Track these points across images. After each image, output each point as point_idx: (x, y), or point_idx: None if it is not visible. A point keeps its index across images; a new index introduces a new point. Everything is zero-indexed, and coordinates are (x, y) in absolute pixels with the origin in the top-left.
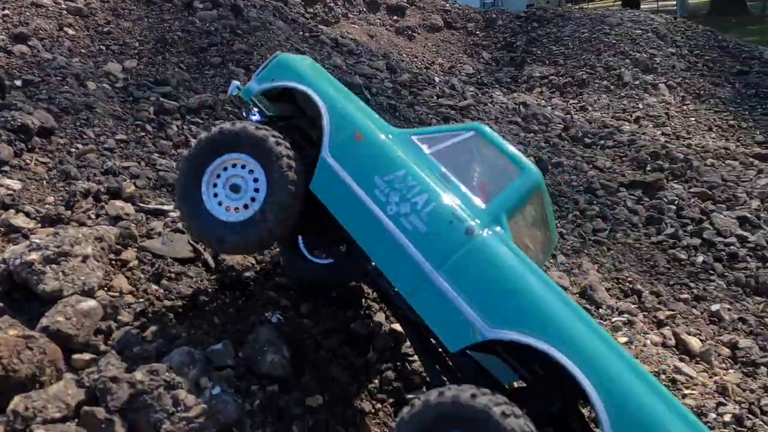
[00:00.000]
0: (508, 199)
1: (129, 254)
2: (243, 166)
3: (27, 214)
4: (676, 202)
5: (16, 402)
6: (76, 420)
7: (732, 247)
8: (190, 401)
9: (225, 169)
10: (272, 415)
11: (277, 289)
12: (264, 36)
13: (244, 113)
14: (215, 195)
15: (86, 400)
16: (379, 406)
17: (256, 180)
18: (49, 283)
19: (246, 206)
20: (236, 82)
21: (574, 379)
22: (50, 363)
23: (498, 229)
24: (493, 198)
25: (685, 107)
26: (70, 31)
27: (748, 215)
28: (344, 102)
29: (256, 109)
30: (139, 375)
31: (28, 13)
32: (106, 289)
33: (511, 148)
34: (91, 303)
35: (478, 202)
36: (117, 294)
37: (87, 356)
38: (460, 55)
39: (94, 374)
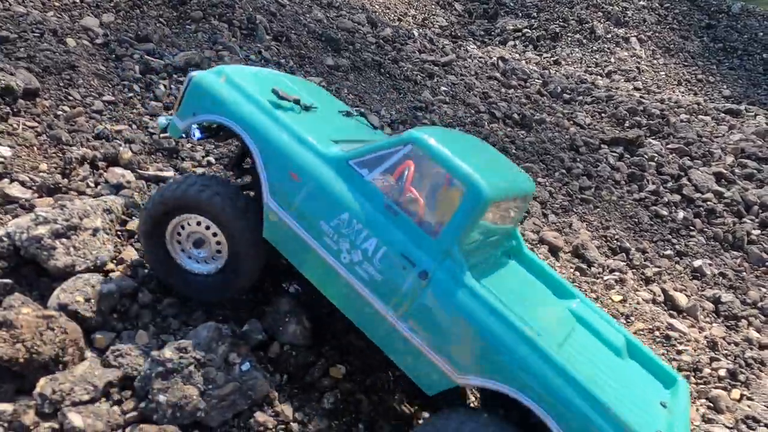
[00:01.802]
0: (458, 225)
1: (135, 225)
2: (198, 223)
3: (22, 183)
4: (656, 158)
5: (43, 385)
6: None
7: (709, 203)
8: (221, 379)
9: (183, 227)
10: (300, 388)
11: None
12: None
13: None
14: (182, 250)
15: (116, 382)
16: (398, 373)
17: (215, 234)
18: (60, 259)
19: (214, 257)
20: (162, 119)
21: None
22: (72, 342)
23: (451, 263)
24: (442, 228)
25: (655, 61)
26: None
27: (723, 171)
28: (276, 132)
29: (195, 127)
30: (168, 353)
31: None
32: (116, 262)
33: (453, 158)
34: (110, 286)
35: (428, 232)
36: (128, 266)
37: (109, 335)
38: (433, 6)
39: (121, 355)
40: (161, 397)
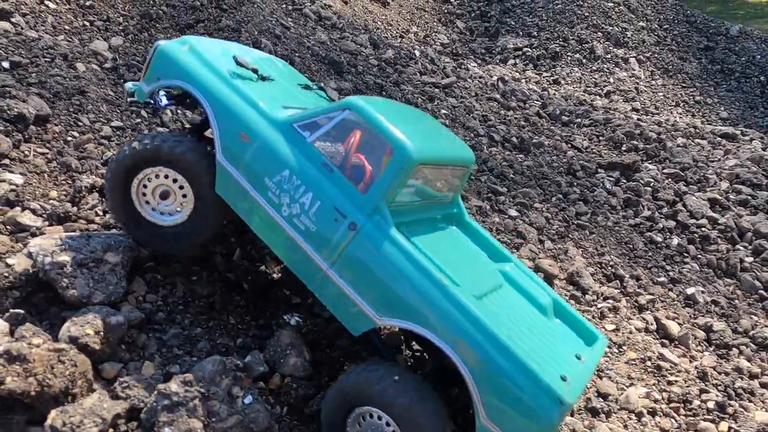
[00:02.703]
0: (386, 183)
1: (145, 254)
2: (166, 176)
3: (33, 212)
4: (652, 183)
5: (53, 417)
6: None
7: (704, 229)
8: (224, 412)
9: (149, 180)
10: (299, 419)
11: (286, 287)
12: (249, 11)
13: (153, 100)
14: (147, 202)
15: (124, 413)
16: None
17: (182, 187)
18: (79, 290)
19: (178, 209)
20: (129, 84)
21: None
22: (81, 375)
23: (379, 218)
24: (372, 185)
25: (654, 82)
26: (52, 5)
27: (718, 197)
28: (229, 96)
29: (162, 93)
30: (174, 386)
31: None
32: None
33: (386, 123)
34: (118, 318)
35: (359, 189)
36: (140, 298)
37: (116, 366)
38: (435, 23)
39: (128, 387)
40: (167, 430)
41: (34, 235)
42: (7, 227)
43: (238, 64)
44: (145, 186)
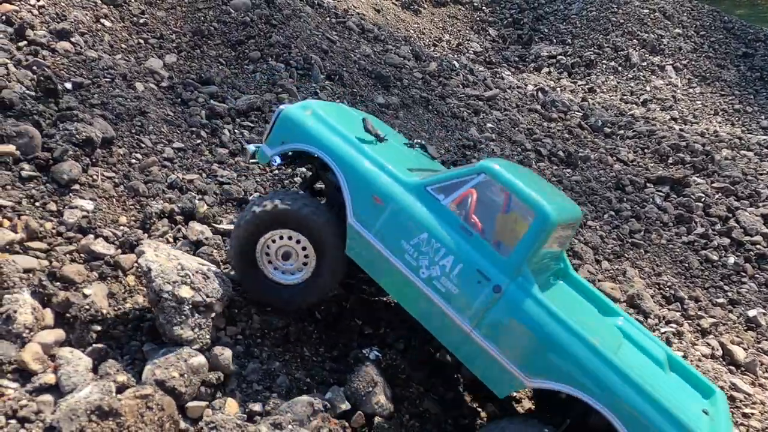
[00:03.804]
0: (528, 246)
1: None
2: (290, 237)
3: (106, 239)
4: (703, 199)
5: None
6: None
7: (759, 246)
8: None
9: (273, 241)
10: None
11: (357, 316)
12: (297, 26)
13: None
14: (270, 262)
15: None
16: None
17: (304, 248)
18: (186, 331)
19: (300, 268)
20: (251, 147)
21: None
22: (168, 417)
23: (522, 279)
24: (514, 248)
25: (691, 90)
26: (107, 23)
27: None
28: (359, 160)
29: (276, 155)
30: (263, 429)
31: (63, 4)
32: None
33: (524, 188)
34: (200, 359)
35: (501, 253)
36: (220, 332)
37: (201, 404)
38: (467, 31)
39: (215, 428)
40: None
41: (108, 264)
42: (81, 255)
43: (365, 126)
44: (268, 247)
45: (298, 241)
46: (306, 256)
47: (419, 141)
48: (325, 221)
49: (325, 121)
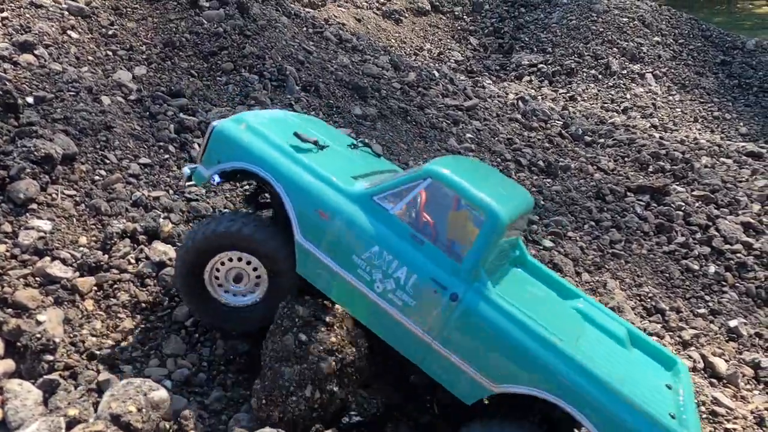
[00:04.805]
0: (481, 249)
1: (182, 312)
2: (239, 259)
3: (63, 261)
4: (683, 207)
5: None
6: None
7: (739, 255)
8: None
9: (222, 263)
10: None
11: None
12: (272, 36)
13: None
14: (220, 285)
15: None
16: None
17: (255, 269)
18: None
19: (252, 289)
20: (186, 169)
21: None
22: None
23: (478, 284)
24: (466, 252)
25: (671, 98)
26: (74, 35)
27: (752, 220)
28: (300, 174)
29: (214, 174)
30: None
31: (28, 15)
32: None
33: (472, 189)
34: (162, 393)
35: (454, 258)
36: (179, 360)
37: None
38: (448, 40)
39: None
40: None
41: (64, 288)
42: (37, 279)
43: (301, 140)
44: (217, 270)
45: (248, 262)
46: (258, 276)
47: (362, 140)
48: (272, 239)
49: (261, 134)
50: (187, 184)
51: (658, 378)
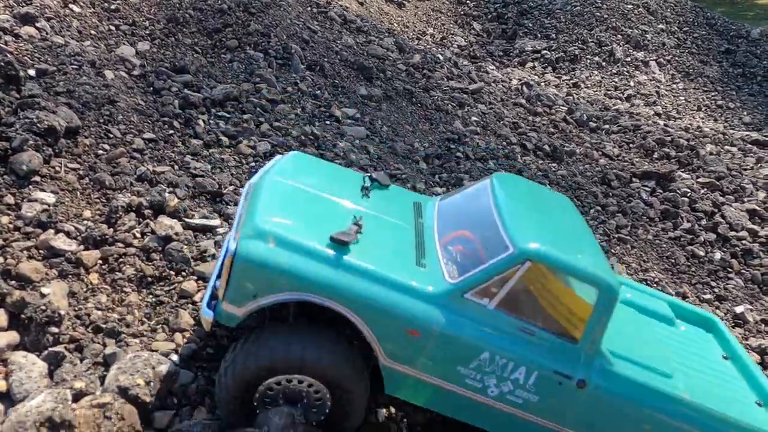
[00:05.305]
0: (597, 325)
1: (190, 285)
2: (300, 381)
3: (67, 234)
4: (689, 194)
5: None
6: None
7: (745, 242)
8: None
9: (279, 384)
10: None
11: None
12: (277, 14)
13: None
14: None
15: None
16: None
17: (317, 392)
18: None
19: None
20: (206, 311)
21: None
22: (129, 428)
23: (600, 360)
24: (584, 332)
25: (674, 86)
26: (76, 8)
27: (757, 208)
28: (371, 290)
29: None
30: None
31: None
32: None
33: (578, 263)
34: (169, 366)
35: (569, 340)
36: (187, 333)
37: (168, 414)
38: (451, 25)
39: None
40: None
41: (69, 261)
42: (40, 252)
43: (343, 243)
44: (270, 389)
45: (310, 385)
46: (318, 399)
47: (368, 175)
48: (347, 364)
49: (300, 248)
50: (213, 328)
51: (715, 351)
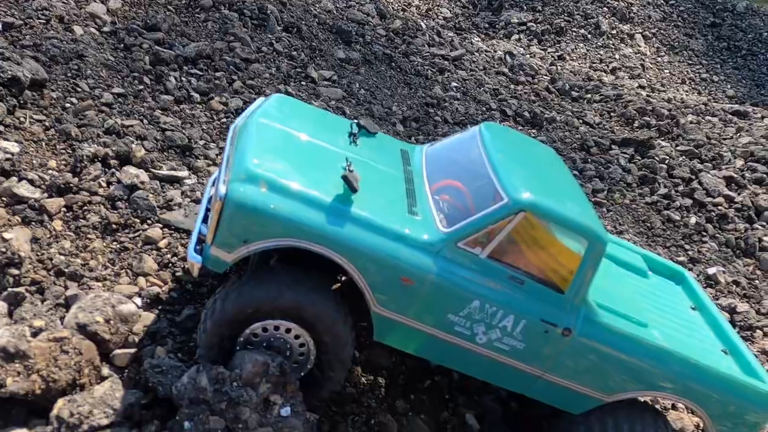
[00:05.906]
0: (586, 275)
1: (155, 233)
2: (288, 330)
3: (31, 182)
4: (667, 161)
5: (60, 407)
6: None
7: (720, 208)
8: (254, 422)
9: (266, 330)
10: None
11: None
12: None
13: None
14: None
15: (137, 402)
16: None
17: (302, 346)
18: None
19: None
20: (193, 255)
21: None
22: (88, 363)
23: (586, 310)
24: (571, 281)
25: (659, 59)
26: None
27: (734, 175)
28: (366, 238)
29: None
30: (203, 381)
31: None
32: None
33: (570, 214)
34: (131, 306)
35: (557, 289)
36: (152, 276)
37: (129, 351)
38: None
39: (151, 374)
40: (186, 424)
41: (32, 208)
42: (3, 199)
43: (348, 183)
44: (254, 336)
45: (297, 336)
46: (302, 348)
47: (355, 122)
48: (333, 308)
49: (294, 194)
50: (201, 272)
51: (684, 303)
